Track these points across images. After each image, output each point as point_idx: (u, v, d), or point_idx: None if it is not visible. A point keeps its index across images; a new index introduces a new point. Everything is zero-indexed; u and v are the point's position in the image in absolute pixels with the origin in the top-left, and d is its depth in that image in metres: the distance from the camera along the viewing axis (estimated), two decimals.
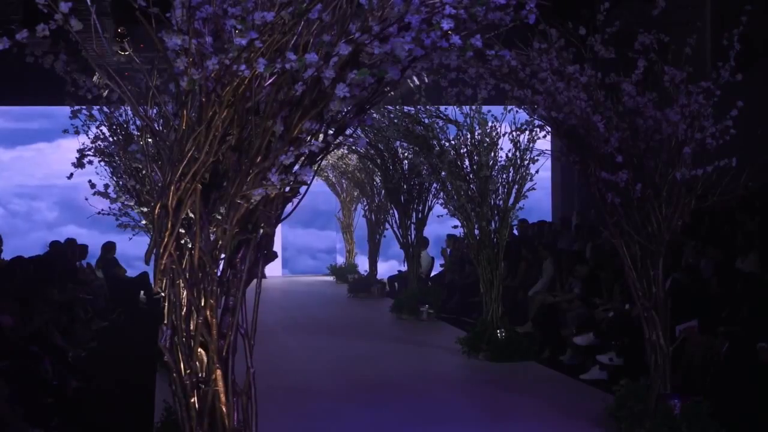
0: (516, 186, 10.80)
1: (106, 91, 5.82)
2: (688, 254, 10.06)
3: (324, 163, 16.87)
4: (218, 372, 4.30)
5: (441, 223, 14.48)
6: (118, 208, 7.97)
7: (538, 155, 10.67)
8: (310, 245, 22.95)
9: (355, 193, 19.62)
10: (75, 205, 23.85)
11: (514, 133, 10.61)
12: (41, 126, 23.14)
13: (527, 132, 10.49)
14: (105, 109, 6.61)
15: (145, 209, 7.09)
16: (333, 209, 20.94)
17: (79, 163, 5.19)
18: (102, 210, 8.20)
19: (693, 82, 6.63)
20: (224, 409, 4.32)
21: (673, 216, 6.80)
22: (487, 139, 10.86)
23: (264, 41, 3.79)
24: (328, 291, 19.05)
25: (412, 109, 12.07)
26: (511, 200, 10.81)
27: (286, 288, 19.26)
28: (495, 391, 9.20)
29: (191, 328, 4.28)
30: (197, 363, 4.30)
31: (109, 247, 15.71)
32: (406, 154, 14.44)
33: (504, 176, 10.81)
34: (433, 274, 16.52)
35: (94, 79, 5.90)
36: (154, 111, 4.70)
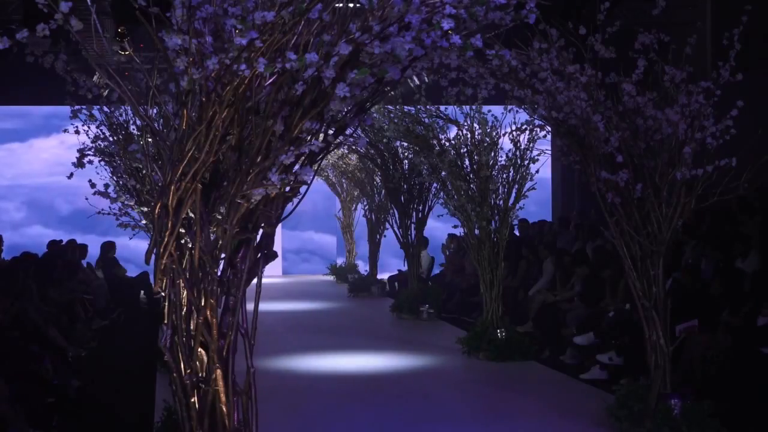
0: (516, 186, 10.81)
1: (106, 91, 5.82)
2: (688, 254, 10.06)
3: (324, 162, 16.87)
4: (218, 372, 4.30)
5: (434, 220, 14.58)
6: (119, 207, 7.96)
7: (538, 154, 10.68)
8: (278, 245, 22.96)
9: (356, 193, 19.62)
10: (42, 205, 23.88)
11: (514, 132, 10.62)
12: (15, 126, 23.11)
13: (527, 132, 10.51)
14: (105, 108, 6.60)
15: (146, 209, 7.08)
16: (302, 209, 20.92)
17: (79, 163, 5.19)
18: (102, 210, 8.19)
19: (693, 82, 6.63)
20: (224, 409, 4.32)
21: (673, 216, 6.80)
22: (488, 139, 10.86)
23: (264, 41, 3.80)
24: (328, 291, 19.04)
25: (413, 108, 12.07)
26: (512, 200, 10.82)
27: (286, 288, 19.26)
28: (495, 391, 9.20)
29: (191, 327, 4.28)
30: (197, 363, 4.30)
31: (108, 247, 15.70)
32: (406, 154, 14.44)
33: (504, 176, 10.82)
34: (433, 273, 16.52)
35: (95, 78, 5.90)
36: (155, 111, 4.71)
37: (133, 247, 13.04)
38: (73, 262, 14.03)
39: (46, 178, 23.55)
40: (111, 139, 6.86)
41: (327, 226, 23.07)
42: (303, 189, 4.39)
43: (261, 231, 4.40)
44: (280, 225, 4.62)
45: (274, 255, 4.52)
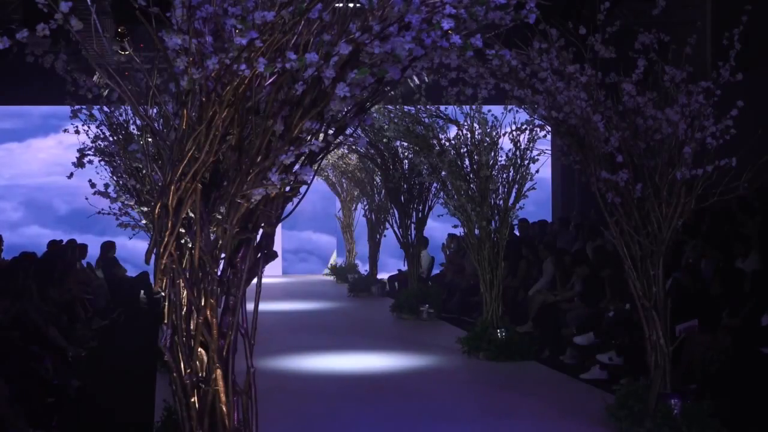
0: (516, 186, 10.81)
1: (107, 91, 5.82)
2: (688, 254, 10.06)
3: (324, 162, 16.87)
4: (218, 372, 4.30)
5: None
6: (119, 207, 7.96)
7: (538, 154, 10.68)
8: None
9: (356, 193, 19.63)
10: (40, 205, 23.87)
11: (514, 132, 10.62)
12: (14, 126, 23.13)
13: (527, 132, 10.51)
14: (105, 108, 6.60)
15: (146, 209, 7.08)
16: (300, 208, 20.99)
17: (79, 163, 5.19)
18: (102, 209, 8.19)
19: (693, 81, 6.64)
20: (224, 408, 4.32)
21: (673, 216, 6.80)
22: (488, 139, 10.86)
23: (264, 41, 3.80)
24: (328, 291, 19.05)
25: (413, 108, 12.08)
26: (512, 200, 10.82)
27: (286, 288, 19.26)
28: (495, 390, 9.20)
29: (191, 327, 4.28)
30: (197, 363, 4.30)
31: (108, 247, 15.70)
32: (406, 154, 14.44)
33: (504, 176, 10.82)
34: (433, 273, 16.53)
35: (95, 78, 5.89)
36: (155, 110, 4.71)
37: (131, 247, 13.04)
38: (66, 263, 13.99)
39: (44, 178, 23.56)
40: (111, 139, 6.86)
41: (325, 226, 23.06)
42: (303, 189, 4.39)
43: (261, 231, 4.40)
44: (279, 225, 4.62)
45: (274, 255, 4.52)
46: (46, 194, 23.74)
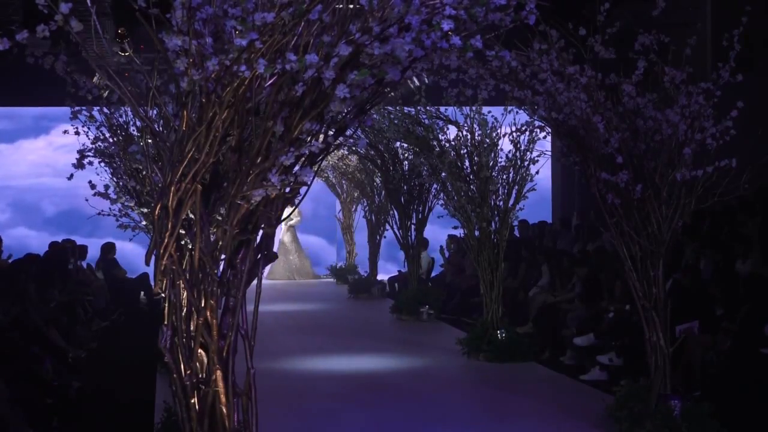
0: (516, 187, 10.81)
1: (107, 92, 5.82)
2: (688, 255, 10.06)
3: (324, 163, 16.86)
4: (218, 373, 4.30)
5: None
6: (119, 209, 7.96)
7: (539, 155, 10.68)
8: None
9: (356, 194, 19.63)
10: (28, 206, 23.84)
11: (514, 134, 10.62)
12: (3, 127, 23.13)
13: (527, 133, 10.51)
14: (105, 109, 6.60)
15: (146, 210, 7.09)
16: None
17: (79, 164, 5.19)
18: (102, 211, 8.19)
19: (693, 82, 6.64)
20: (224, 409, 4.32)
21: (673, 217, 6.80)
22: (488, 140, 10.86)
23: (264, 42, 3.80)
24: (328, 292, 19.04)
25: (413, 109, 12.08)
26: (512, 201, 10.82)
27: (285, 289, 19.26)
28: (495, 391, 9.20)
29: (191, 328, 4.28)
30: (197, 364, 4.30)
31: (108, 248, 15.70)
32: (406, 155, 14.44)
33: (504, 177, 10.82)
34: (433, 274, 16.52)
35: (95, 79, 5.90)
36: (155, 112, 4.70)
37: (119, 248, 12.95)
38: (65, 264, 13.94)
39: (33, 179, 23.53)
40: (111, 140, 6.86)
41: (313, 228, 22.94)
42: (303, 190, 4.40)
43: (261, 232, 4.41)
44: (279, 226, 4.62)
45: (274, 256, 4.53)
46: (35, 196, 23.73)
